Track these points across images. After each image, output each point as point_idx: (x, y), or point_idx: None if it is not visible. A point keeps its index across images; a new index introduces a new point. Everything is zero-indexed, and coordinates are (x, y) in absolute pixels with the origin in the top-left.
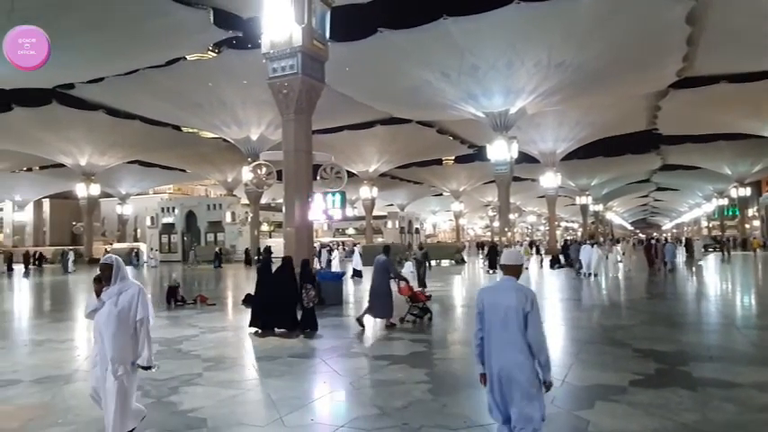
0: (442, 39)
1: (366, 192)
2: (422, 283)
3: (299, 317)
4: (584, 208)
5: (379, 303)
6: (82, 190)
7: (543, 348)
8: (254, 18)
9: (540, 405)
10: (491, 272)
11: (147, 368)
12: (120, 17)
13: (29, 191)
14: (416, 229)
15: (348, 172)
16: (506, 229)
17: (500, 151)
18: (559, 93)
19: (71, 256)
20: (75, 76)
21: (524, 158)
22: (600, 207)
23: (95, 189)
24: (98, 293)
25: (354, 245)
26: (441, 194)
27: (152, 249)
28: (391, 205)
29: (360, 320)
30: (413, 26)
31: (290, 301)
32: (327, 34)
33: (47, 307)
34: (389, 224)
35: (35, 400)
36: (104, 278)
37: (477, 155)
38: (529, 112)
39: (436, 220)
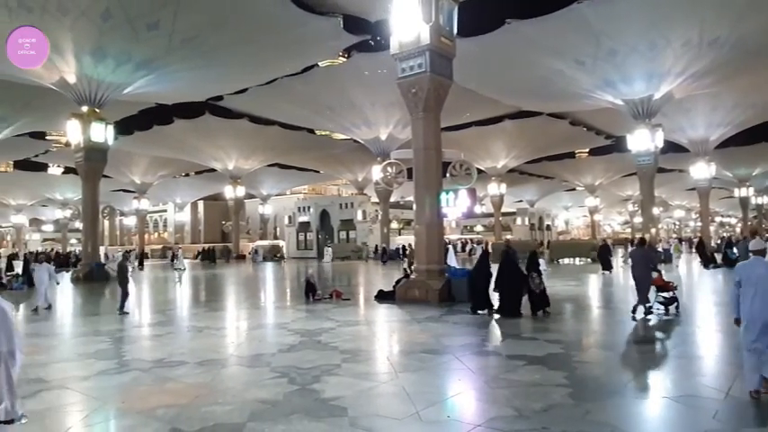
0: (576, 24)
1: (494, 188)
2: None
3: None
4: (743, 201)
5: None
6: (230, 192)
7: None
8: (382, 20)
9: None
10: (605, 273)
11: (7, 422)
12: (262, 32)
13: (187, 194)
14: (547, 225)
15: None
16: (650, 225)
17: (642, 141)
18: (713, 73)
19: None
20: (223, 88)
21: (670, 148)
22: (764, 200)
23: (241, 191)
24: None
25: (478, 242)
26: (573, 189)
27: (179, 249)
28: (520, 201)
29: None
30: (542, 14)
31: (515, 287)
32: (455, 30)
33: (202, 298)
34: (519, 221)
35: (199, 380)
36: None
37: (615, 146)
38: (676, 96)
39: (569, 216)
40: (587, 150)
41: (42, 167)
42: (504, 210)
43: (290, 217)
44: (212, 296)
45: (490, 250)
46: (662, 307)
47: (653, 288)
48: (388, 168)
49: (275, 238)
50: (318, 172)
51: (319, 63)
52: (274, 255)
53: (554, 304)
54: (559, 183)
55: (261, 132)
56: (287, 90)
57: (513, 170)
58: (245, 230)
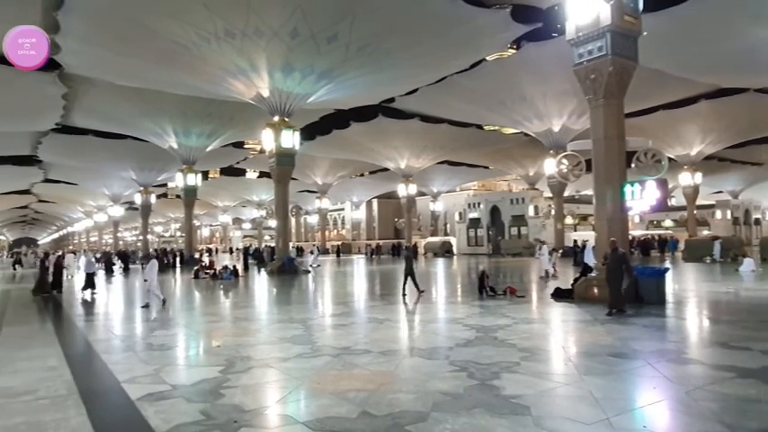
0: None
1: (687, 178)
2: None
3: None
4: None
5: None
6: (402, 190)
7: None
8: (554, 6)
9: None
10: None
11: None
12: (430, 33)
13: (362, 193)
14: (756, 219)
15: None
16: None
17: None
18: None
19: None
20: (395, 90)
21: None
22: None
23: (413, 189)
24: None
25: (669, 238)
26: None
27: (314, 246)
28: (720, 192)
29: None
30: None
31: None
32: (640, 6)
33: (378, 291)
34: (718, 214)
35: (382, 368)
36: None
37: None
38: None
39: None
40: None
41: (242, 173)
42: (699, 202)
43: (460, 213)
44: (388, 290)
45: (622, 249)
46: None
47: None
48: (564, 161)
49: (446, 234)
50: (488, 168)
51: (487, 57)
52: (445, 251)
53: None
54: None
55: (431, 131)
56: (455, 87)
57: (711, 157)
58: (417, 227)
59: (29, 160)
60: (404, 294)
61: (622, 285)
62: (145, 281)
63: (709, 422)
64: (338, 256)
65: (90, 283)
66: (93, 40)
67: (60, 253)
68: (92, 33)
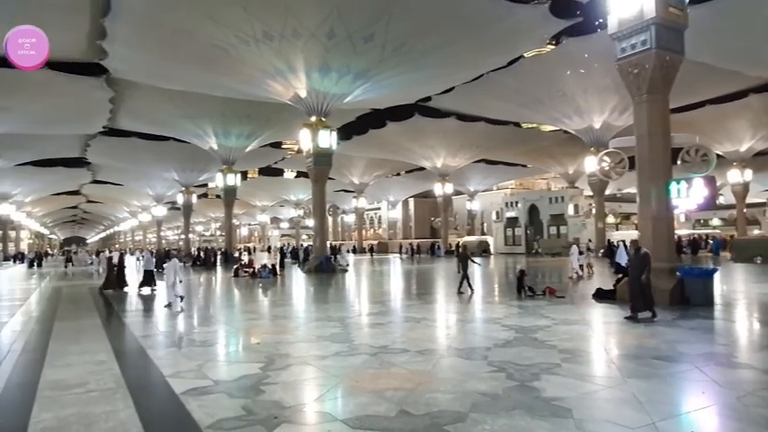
0: None
1: (736, 175)
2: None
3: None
4: None
5: None
6: (438, 189)
7: None
8: (595, 0)
9: None
10: None
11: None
12: (467, 31)
13: (399, 192)
14: None
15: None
16: None
17: None
18: None
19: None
20: (431, 89)
21: None
22: None
23: (449, 188)
24: None
25: (714, 238)
26: None
27: (341, 245)
28: None
29: None
30: None
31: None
32: None
33: (414, 290)
34: None
35: (420, 367)
36: None
37: None
38: None
39: None
40: None
41: (279, 173)
42: (749, 200)
43: (497, 212)
44: (423, 289)
45: (645, 250)
46: None
47: None
48: (606, 158)
49: (482, 233)
50: (526, 166)
51: (525, 54)
52: (482, 250)
53: None
54: None
55: (467, 129)
56: (492, 85)
57: (761, 153)
58: (453, 226)
59: (78, 162)
60: (460, 292)
61: (645, 287)
62: (179, 282)
63: (761, 429)
64: (371, 255)
65: (149, 279)
66: (138, 44)
67: (120, 252)
68: (136, 38)
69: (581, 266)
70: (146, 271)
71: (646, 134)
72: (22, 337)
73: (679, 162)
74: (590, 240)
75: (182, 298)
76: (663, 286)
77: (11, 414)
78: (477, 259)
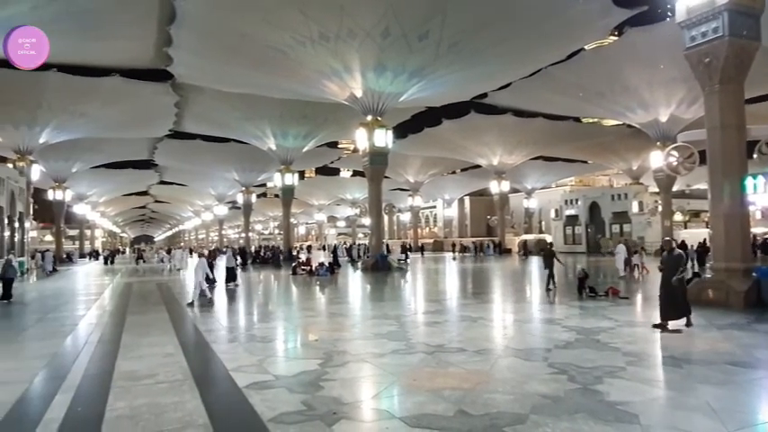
0: None
1: None
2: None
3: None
4: None
5: None
6: (495, 187)
7: None
8: None
9: None
10: None
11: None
12: (524, 25)
13: (454, 190)
14: None
15: None
16: None
17: None
18: None
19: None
20: (487, 86)
21: None
22: None
23: (506, 185)
24: None
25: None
26: None
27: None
28: None
29: None
30: None
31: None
32: None
33: (471, 289)
34: None
35: (478, 367)
36: None
37: None
38: None
39: None
40: None
41: (335, 172)
42: None
43: (556, 210)
44: (481, 288)
45: (680, 250)
46: None
47: None
48: (674, 153)
49: (540, 232)
50: (586, 162)
51: (586, 46)
52: (540, 249)
53: None
54: None
55: (525, 126)
56: (551, 80)
57: None
58: (510, 224)
59: (146, 164)
60: (548, 289)
61: (677, 291)
62: (210, 279)
63: None
64: (422, 254)
65: (231, 276)
66: (201, 50)
67: (209, 251)
68: (199, 44)
69: (635, 266)
70: (228, 268)
71: (718, 126)
72: (98, 329)
73: (755, 156)
74: (641, 238)
75: (210, 300)
76: (737, 287)
77: (89, 403)
78: (561, 258)
